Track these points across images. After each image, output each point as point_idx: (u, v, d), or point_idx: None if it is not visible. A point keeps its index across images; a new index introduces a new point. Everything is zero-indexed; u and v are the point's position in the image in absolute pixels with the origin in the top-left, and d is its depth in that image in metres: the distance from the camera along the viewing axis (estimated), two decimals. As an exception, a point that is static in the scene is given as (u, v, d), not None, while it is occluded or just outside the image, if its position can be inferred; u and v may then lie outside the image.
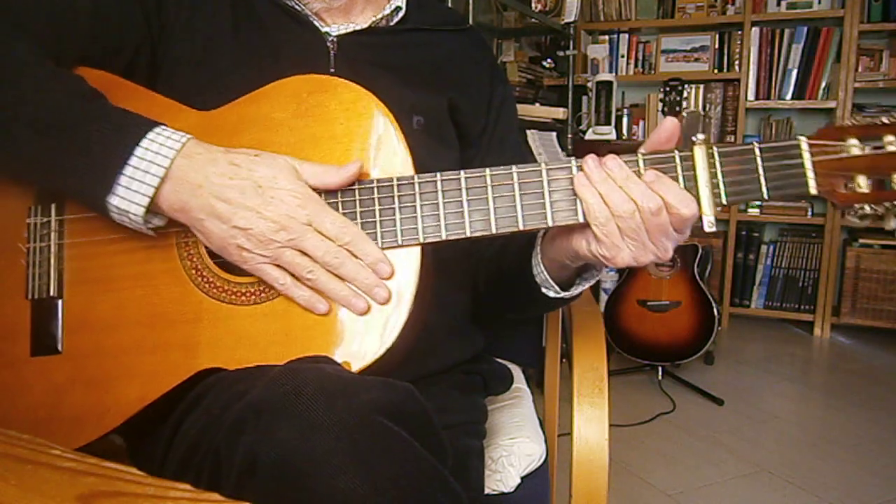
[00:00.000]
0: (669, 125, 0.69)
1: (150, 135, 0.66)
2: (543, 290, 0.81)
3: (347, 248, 0.68)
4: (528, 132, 2.37)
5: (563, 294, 0.81)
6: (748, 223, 3.50)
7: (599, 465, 0.87)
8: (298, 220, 0.66)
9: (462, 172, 0.70)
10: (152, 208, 0.66)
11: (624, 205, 0.65)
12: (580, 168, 0.68)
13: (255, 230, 0.66)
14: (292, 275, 0.68)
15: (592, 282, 0.81)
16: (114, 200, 0.65)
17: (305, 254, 0.67)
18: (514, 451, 0.87)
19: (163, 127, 0.67)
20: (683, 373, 2.72)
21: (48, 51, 0.72)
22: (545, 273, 0.80)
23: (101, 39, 0.77)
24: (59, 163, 0.67)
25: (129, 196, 0.65)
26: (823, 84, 3.33)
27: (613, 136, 3.02)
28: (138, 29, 0.79)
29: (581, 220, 0.68)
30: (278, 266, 0.68)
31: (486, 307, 0.95)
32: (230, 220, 0.66)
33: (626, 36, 3.68)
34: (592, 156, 0.68)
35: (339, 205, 0.70)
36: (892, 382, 2.76)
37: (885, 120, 0.67)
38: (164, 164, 0.65)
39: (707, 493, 1.90)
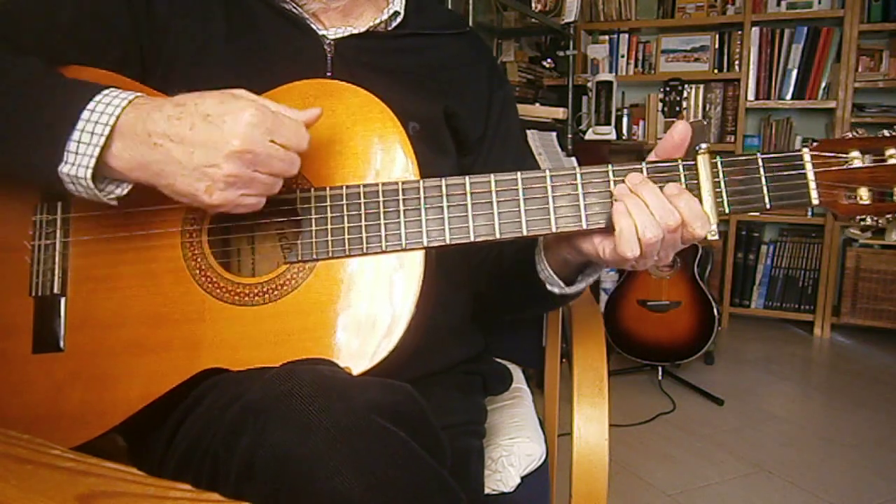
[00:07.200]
0: (682, 129, 0.69)
1: (98, 97, 0.64)
2: (548, 286, 0.81)
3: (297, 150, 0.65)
4: (528, 132, 2.37)
5: (567, 290, 0.81)
6: (748, 223, 3.50)
7: (599, 465, 0.87)
8: (257, 140, 0.61)
9: (467, 178, 0.70)
10: (107, 173, 0.64)
11: (654, 231, 0.65)
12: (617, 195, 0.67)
13: (217, 163, 0.61)
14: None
15: (595, 277, 0.82)
16: (64, 168, 0.63)
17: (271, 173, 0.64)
18: (514, 451, 0.87)
19: (111, 89, 0.65)
20: (683, 373, 2.72)
21: (25, 49, 0.71)
22: (549, 270, 0.80)
23: (83, 38, 0.76)
24: (14, 140, 0.65)
25: (77, 161, 0.62)
26: (823, 84, 3.33)
27: (613, 136, 3.02)
28: (125, 30, 0.77)
29: (584, 227, 0.69)
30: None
31: (488, 307, 0.95)
32: (190, 160, 0.62)
33: (626, 36, 3.68)
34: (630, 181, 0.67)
35: (345, 207, 0.70)
36: (892, 382, 2.76)
37: (886, 133, 0.68)
38: (108, 122, 0.62)
39: (707, 493, 1.90)
